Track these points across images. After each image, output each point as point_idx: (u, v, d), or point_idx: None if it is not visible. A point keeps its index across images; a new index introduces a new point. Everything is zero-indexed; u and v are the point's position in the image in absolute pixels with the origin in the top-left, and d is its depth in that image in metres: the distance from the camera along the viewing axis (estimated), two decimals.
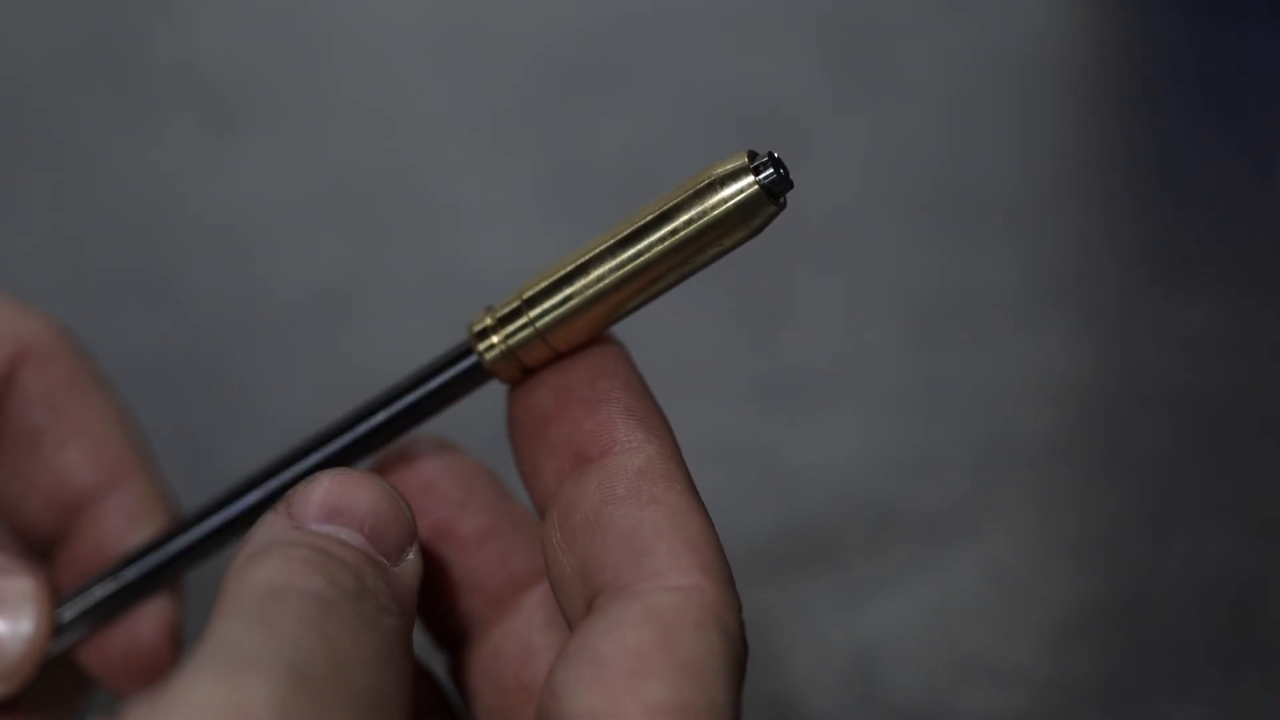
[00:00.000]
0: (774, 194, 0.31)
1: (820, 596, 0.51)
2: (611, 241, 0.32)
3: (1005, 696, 0.48)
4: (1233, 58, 0.76)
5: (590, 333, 0.33)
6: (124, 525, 0.39)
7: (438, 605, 0.35)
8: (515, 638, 0.35)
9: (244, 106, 0.76)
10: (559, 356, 0.33)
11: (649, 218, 0.31)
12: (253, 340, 0.64)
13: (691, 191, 0.31)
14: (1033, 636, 0.50)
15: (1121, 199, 0.72)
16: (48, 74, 0.80)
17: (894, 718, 0.48)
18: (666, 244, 0.31)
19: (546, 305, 0.32)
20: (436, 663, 0.37)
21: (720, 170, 0.31)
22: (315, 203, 0.71)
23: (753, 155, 0.31)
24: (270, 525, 0.31)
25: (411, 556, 0.32)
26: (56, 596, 0.38)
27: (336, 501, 0.32)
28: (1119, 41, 0.82)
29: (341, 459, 0.35)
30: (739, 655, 0.30)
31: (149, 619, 0.39)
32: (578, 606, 0.31)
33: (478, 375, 0.34)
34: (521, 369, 0.33)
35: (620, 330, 0.33)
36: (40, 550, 0.41)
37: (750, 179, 0.31)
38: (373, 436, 0.35)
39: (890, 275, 0.66)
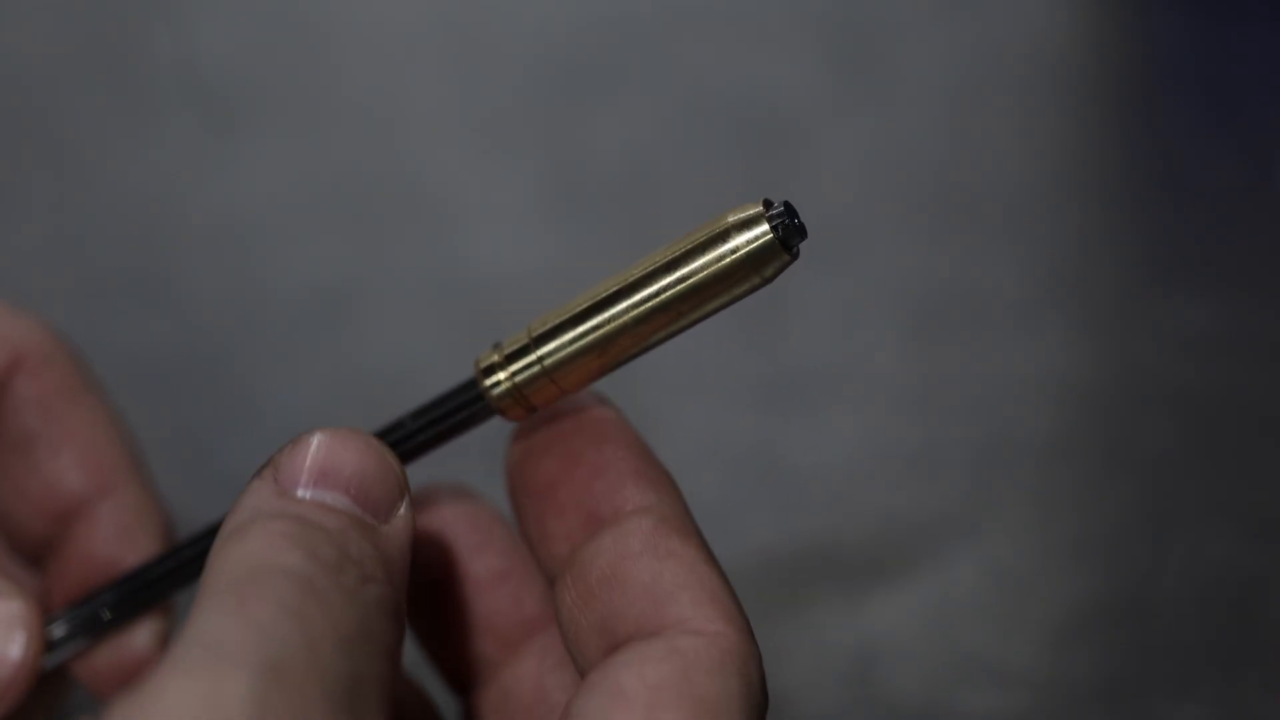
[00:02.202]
0: (788, 243, 0.31)
1: (820, 596, 0.51)
2: (624, 284, 0.32)
3: (1005, 696, 0.48)
4: (1233, 58, 0.76)
5: (597, 373, 0.33)
6: (115, 533, 0.39)
7: (451, 646, 0.36)
8: (528, 680, 0.35)
9: (244, 106, 0.76)
10: (564, 395, 0.33)
11: (662, 262, 0.32)
12: (253, 340, 0.64)
13: (705, 238, 0.31)
14: (1033, 636, 0.50)
15: (1121, 199, 0.72)
16: (48, 74, 0.80)
17: (894, 718, 0.48)
18: (678, 289, 0.32)
19: (555, 344, 0.32)
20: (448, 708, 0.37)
21: (735, 218, 0.31)
22: (315, 203, 0.71)
23: (768, 204, 0.31)
24: (255, 494, 0.31)
25: (402, 512, 0.32)
26: (47, 614, 0.38)
27: (322, 464, 0.31)
28: (1119, 41, 0.82)
29: None
30: (759, 703, 0.30)
31: (139, 628, 0.38)
32: (595, 663, 0.31)
33: (483, 412, 0.34)
34: (528, 407, 0.33)
35: None
36: (32, 557, 0.41)
37: (765, 227, 0.31)
38: None
39: (890, 275, 0.65)
